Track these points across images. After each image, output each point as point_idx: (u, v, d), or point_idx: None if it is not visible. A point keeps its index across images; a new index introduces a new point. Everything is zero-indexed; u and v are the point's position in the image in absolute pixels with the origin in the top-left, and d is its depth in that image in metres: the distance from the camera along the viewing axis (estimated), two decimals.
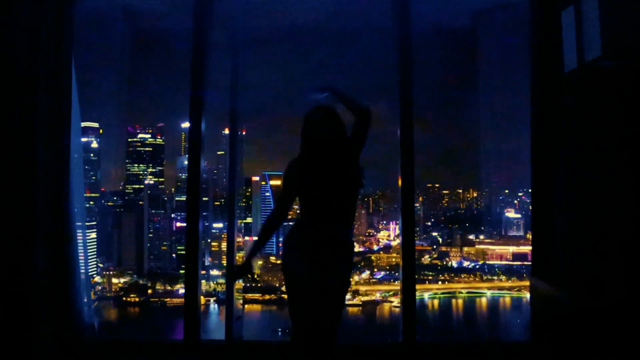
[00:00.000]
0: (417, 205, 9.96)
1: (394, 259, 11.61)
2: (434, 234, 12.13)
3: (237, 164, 4.86)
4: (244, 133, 5.00)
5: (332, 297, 3.13)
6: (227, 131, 4.98)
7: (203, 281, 5.38)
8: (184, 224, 4.72)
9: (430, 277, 11.75)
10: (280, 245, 11.86)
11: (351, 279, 3.30)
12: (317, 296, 3.08)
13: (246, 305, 11.01)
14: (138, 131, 11.86)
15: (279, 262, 11.70)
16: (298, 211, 3.25)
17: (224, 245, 5.74)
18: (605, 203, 3.62)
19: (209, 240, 10.52)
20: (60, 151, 4.21)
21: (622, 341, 3.09)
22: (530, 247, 4.43)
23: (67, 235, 4.24)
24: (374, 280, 11.65)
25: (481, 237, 12.05)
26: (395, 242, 11.64)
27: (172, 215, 12.04)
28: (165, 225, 12.03)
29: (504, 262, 11.62)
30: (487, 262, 11.74)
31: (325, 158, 3.08)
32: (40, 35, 4.15)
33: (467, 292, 11.62)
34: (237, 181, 4.93)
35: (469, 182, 12.18)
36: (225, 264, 4.87)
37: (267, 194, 12.05)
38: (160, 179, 12.06)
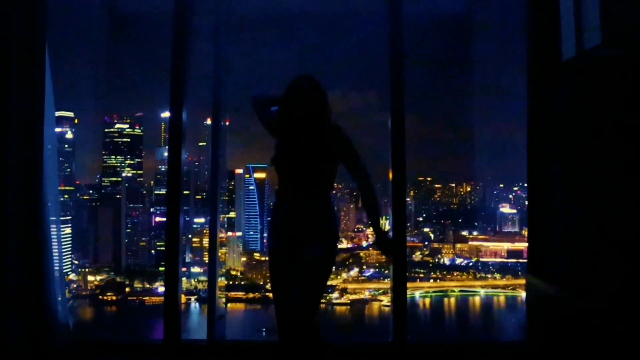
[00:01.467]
0: (408, 199, 10.00)
1: (383, 256, 11.63)
2: (426, 229, 12.17)
3: (219, 156, 4.84)
4: (227, 123, 4.97)
5: (305, 275, 3.12)
6: (209, 121, 4.97)
7: (184, 279, 5.37)
8: (164, 219, 4.72)
9: (421, 275, 11.80)
10: (264, 241, 11.91)
11: (333, 258, 3.23)
12: (290, 274, 3.10)
13: (229, 304, 11.01)
14: (115, 121, 11.81)
15: (263, 259, 11.78)
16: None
17: (205, 241, 5.74)
18: (604, 198, 3.63)
19: (190, 236, 10.49)
20: (33, 142, 4.17)
21: (621, 341, 3.11)
22: (525, 244, 4.44)
23: (40, 230, 4.21)
24: (362, 278, 11.69)
25: (475, 233, 12.11)
26: None
27: (151, 210, 12.01)
28: (144, 220, 12.01)
29: (498, 260, 11.69)
30: (481, 259, 11.80)
31: (302, 131, 3.10)
32: (11, 18, 4.11)
33: (460, 291, 11.68)
34: (220, 174, 4.91)
35: (462, 176, 12.23)
36: (207, 261, 4.84)
37: (251, 187, 12.06)
38: (139, 172, 12.03)
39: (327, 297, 10.84)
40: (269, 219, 3.32)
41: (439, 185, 12.34)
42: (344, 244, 11.63)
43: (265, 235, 12.01)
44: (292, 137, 3.12)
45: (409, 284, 4.69)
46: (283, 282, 3.16)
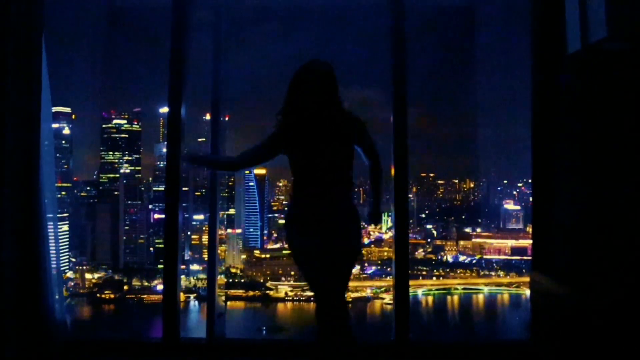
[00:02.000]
0: (411, 196, 10.00)
1: (385, 253, 11.65)
2: (429, 226, 12.17)
3: (219, 152, 4.84)
4: (227, 119, 4.97)
5: (338, 266, 3.16)
6: (208, 117, 4.96)
7: (183, 277, 5.37)
8: (163, 216, 4.71)
9: (424, 273, 11.80)
10: (264, 238, 11.93)
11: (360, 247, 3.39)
12: (325, 268, 3.11)
13: (229, 302, 11.04)
14: (113, 117, 11.81)
15: (263, 256, 11.79)
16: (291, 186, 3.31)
17: (205, 238, 5.75)
18: (610, 194, 3.63)
19: (189, 233, 10.51)
20: (30, 138, 4.17)
21: (627, 339, 3.11)
22: (530, 241, 4.43)
23: (37, 228, 4.21)
24: (364, 275, 11.69)
25: (478, 230, 12.11)
26: (387, 235, 11.66)
27: (150, 207, 12.02)
28: (142, 217, 12.01)
29: (502, 257, 11.69)
30: (485, 256, 11.80)
31: (316, 119, 3.12)
32: (7, 12, 4.10)
33: (463, 289, 11.69)
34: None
35: (465, 172, 12.23)
36: (206, 258, 4.84)
37: (251, 183, 12.06)
38: (137, 168, 12.03)
39: None
40: (289, 213, 3.29)
41: (442, 182, 12.34)
42: None
43: (265, 232, 12.03)
44: (306, 123, 3.12)
45: (411, 282, 4.68)
46: (322, 275, 3.16)
